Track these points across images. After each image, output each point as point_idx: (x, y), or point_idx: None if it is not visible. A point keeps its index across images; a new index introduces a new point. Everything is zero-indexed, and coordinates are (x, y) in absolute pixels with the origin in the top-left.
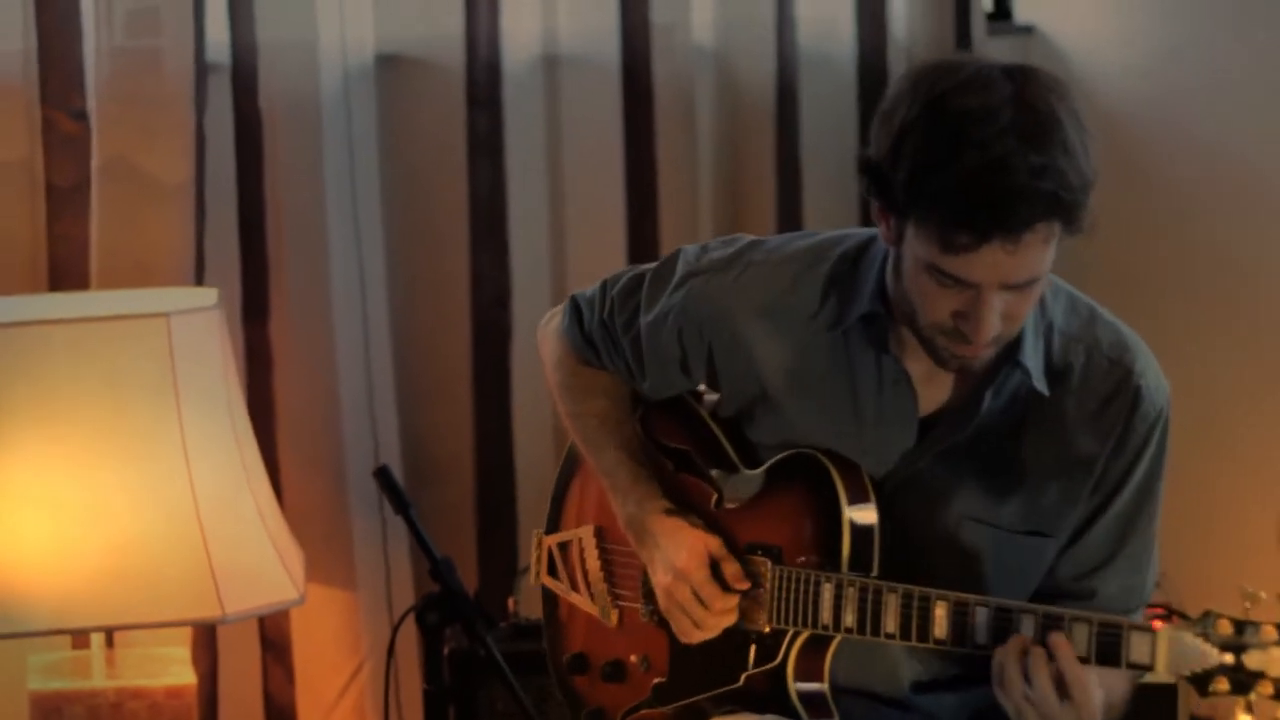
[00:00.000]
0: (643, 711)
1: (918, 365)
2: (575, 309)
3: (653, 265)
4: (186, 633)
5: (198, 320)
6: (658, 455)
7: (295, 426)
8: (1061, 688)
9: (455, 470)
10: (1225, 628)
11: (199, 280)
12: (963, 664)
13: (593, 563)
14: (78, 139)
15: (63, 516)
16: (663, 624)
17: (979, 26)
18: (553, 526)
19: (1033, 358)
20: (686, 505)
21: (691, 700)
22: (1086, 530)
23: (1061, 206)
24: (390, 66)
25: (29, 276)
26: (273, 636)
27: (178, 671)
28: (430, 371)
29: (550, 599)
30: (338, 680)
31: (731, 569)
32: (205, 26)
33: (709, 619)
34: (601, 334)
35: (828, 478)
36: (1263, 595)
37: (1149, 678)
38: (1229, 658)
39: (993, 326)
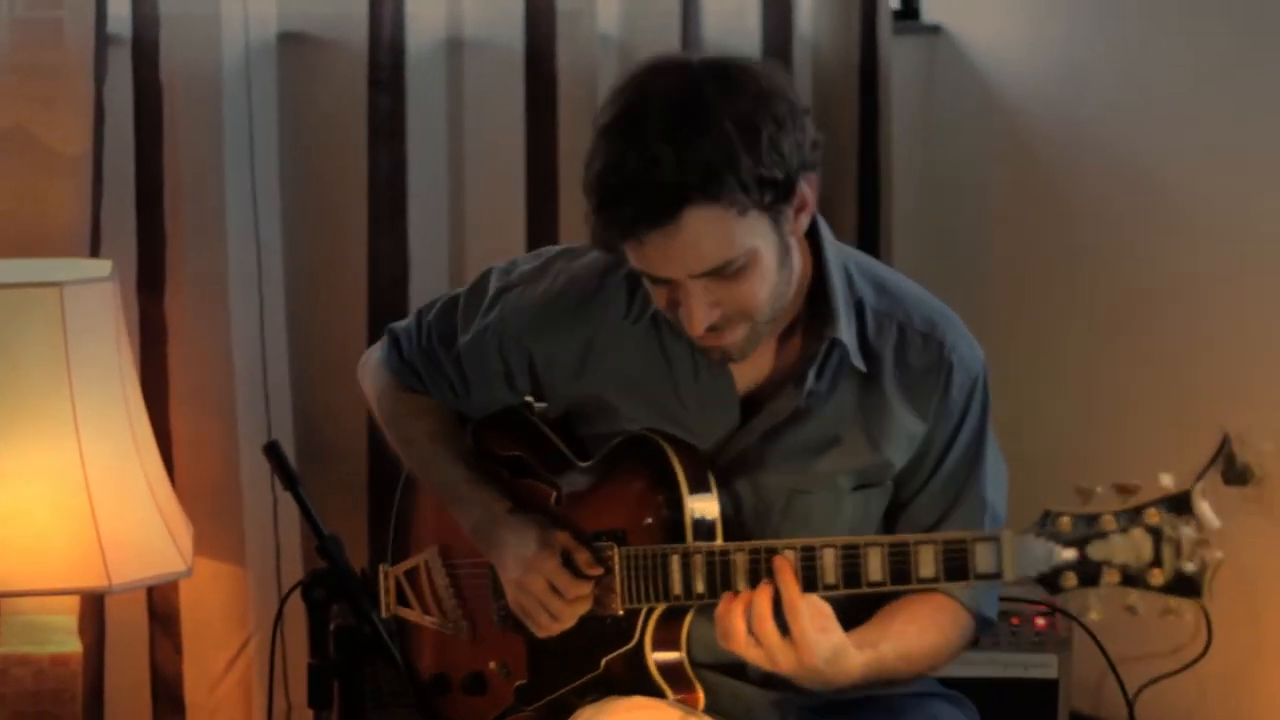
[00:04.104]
0: (508, 718)
1: None
2: (394, 340)
3: (464, 288)
4: (75, 602)
5: (91, 291)
6: (493, 466)
7: (188, 401)
8: (781, 620)
9: (348, 449)
10: (1066, 525)
11: (94, 252)
12: None
13: (440, 581)
14: None
15: None
16: (518, 627)
17: (885, 24)
18: (398, 557)
19: (848, 334)
20: (529, 506)
21: (554, 695)
22: (919, 494)
23: (688, 191)
24: (293, 44)
25: None
26: (161, 609)
27: (63, 640)
28: (325, 350)
29: (405, 630)
30: (225, 653)
31: (583, 556)
32: None
33: (565, 609)
34: (422, 360)
35: (661, 454)
36: (1098, 490)
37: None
38: (1073, 553)
39: (702, 317)
